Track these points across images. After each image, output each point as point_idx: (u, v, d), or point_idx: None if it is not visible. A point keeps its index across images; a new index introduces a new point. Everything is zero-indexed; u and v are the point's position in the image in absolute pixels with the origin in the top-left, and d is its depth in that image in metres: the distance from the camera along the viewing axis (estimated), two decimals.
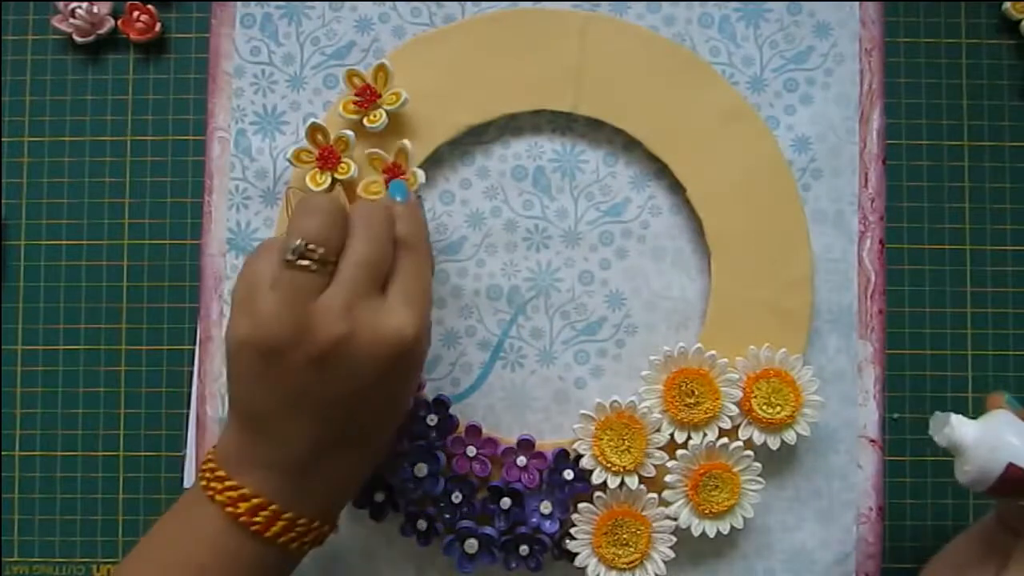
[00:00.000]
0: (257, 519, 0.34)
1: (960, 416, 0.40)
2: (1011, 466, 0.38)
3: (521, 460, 0.44)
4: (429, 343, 0.42)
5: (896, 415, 0.48)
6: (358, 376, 0.34)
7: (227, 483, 0.35)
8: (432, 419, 0.44)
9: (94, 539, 0.48)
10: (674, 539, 0.44)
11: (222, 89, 0.47)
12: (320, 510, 0.37)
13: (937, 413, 0.40)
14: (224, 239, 0.47)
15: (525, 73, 0.46)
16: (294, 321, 0.33)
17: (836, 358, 0.47)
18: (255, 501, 0.34)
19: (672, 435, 0.44)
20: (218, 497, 0.35)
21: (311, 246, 0.34)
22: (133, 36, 0.48)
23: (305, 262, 0.34)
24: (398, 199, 0.39)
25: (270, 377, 0.34)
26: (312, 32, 0.47)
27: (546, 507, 0.44)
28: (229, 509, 0.34)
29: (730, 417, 0.44)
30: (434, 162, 0.47)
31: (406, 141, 0.44)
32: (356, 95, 0.44)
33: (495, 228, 0.47)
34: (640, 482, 0.44)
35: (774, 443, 0.45)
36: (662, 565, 0.44)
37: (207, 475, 0.36)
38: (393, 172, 0.44)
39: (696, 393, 0.44)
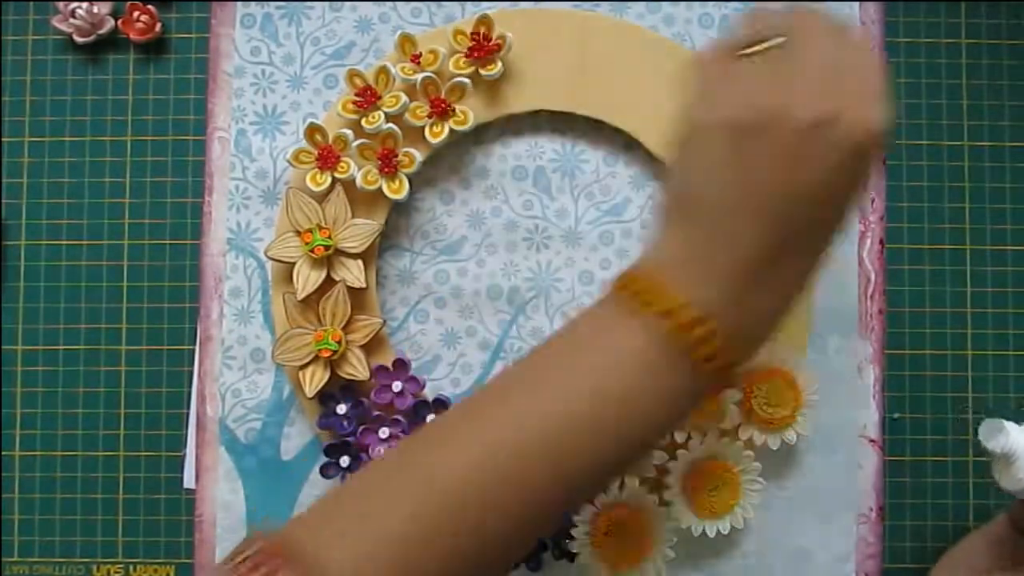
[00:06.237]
0: (695, 333, 0.31)
1: (1012, 423, 0.39)
2: None
3: None
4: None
5: (896, 415, 0.48)
6: (828, 167, 0.31)
7: (663, 293, 0.31)
8: (432, 419, 0.44)
9: (94, 539, 0.48)
10: (674, 539, 0.44)
11: (222, 89, 0.47)
12: (751, 334, 0.33)
13: (987, 419, 0.40)
14: (224, 239, 0.47)
15: (525, 73, 0.46)
16: (776, 98, 0.31)
17: (836, 358, 0.47)
18: (694, 313, 0.31)
19: (672, 435, 0.44)
20: (645, 310, 0.31)
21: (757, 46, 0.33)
22: (133, 36, 0.48)
23: (761, 46, 0.33)
24: None
25: (736, 164, 0.31)
26: (312, 32, 0.47)
27: None
28: (663, 321, 0.31)
29: (730, 417, 0.44)
30: (434, 162, 0.47)
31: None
32: (356, 95, 0.44)
33: (495, 228, 0.47)
34: (640, 482, 0.44)
35: (774, 443, 0.45)
36: (662, 565, 0.44)
37: (631, 286, 0.32)
38: (387, 159, 0.44)
39: None
